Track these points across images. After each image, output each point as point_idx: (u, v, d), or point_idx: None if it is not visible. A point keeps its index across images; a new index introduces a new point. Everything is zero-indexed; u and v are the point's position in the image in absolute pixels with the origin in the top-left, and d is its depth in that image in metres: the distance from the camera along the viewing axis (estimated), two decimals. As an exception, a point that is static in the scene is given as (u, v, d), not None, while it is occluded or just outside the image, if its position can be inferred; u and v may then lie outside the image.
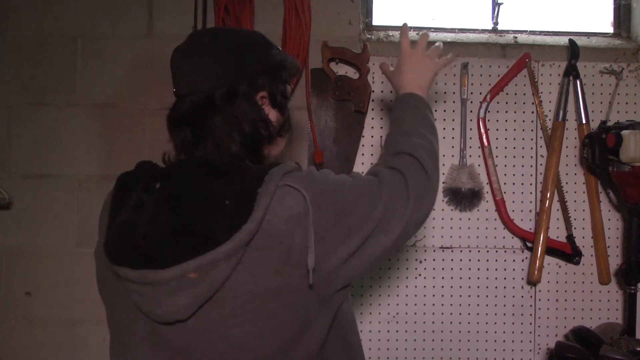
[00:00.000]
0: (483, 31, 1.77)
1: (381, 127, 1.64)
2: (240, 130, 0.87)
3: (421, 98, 1.04)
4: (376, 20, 1.78)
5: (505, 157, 1.64)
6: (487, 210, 1.64)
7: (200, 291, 0.74)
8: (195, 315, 0.75)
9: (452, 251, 1.64)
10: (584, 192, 1.64)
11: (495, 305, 1.63)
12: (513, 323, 1.63)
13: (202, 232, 0.74)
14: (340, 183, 0.83)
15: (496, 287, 1.63)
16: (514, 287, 1.64)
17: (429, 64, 1.09)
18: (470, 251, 1.64)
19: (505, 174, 1.64)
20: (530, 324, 1.64)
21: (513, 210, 1.63)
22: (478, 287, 1.63)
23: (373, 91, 1.62)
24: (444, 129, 1.64)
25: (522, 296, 1.64)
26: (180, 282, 0.73)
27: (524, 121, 1.65)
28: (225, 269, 0.73)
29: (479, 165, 1.63)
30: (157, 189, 0.81)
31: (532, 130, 1.65)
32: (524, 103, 1.64)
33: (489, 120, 1.64)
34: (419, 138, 0.95)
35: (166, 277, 0.73)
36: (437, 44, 1.15)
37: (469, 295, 1.63)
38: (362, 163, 1.63)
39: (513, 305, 1.63)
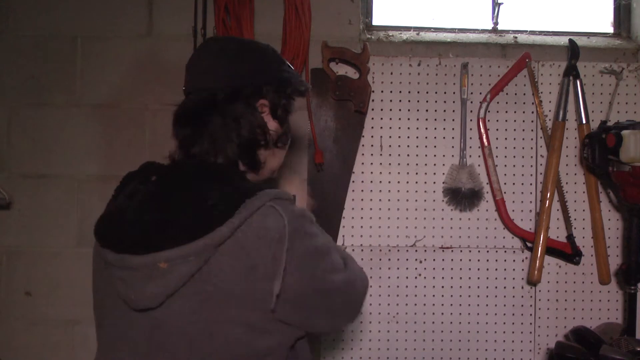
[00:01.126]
0: (483, 31, 1.77)
1: (381, 127, 1.63)
2: (237, 132, 0.90)
3: None
4: (376, 20, 1.78)
5: (505, 157, 1.64)
6: (487, 210, 1.63)
7: (168, 282, 0.77)
8: (162, 305, 0.79)
9: (452, 251, 1.64)
10: (584, 192, 1.64)
11: (495, 305, 1.63)
12: (513, 323, 1.63)
13: (180, 226, 0.77)
14: (316, 234, 0.86)
15: (496, 287, 1.63)
16: (514, 287, 1.64)
17: None
18: (470, 251, 1.64)
19: (505, 174, 1.64)
20: (530, 324, 1.64)
21: (513, 210, 1.63)
22: (478, 287, 1.63)
23: (373, 91, 1.62)
24: (444, 129, 1.64)
25: (522, 296, 1.64)
26: (151, 271, 0.77)
27: (524, 121, 1.65)
28: (194, 265, 0.76)
29: (479, 165, 1.63)
30: (152, 181, 0.86)
31: (532, 130, 1.65)
32: (524, 103, 1.64)
33: (489, 120, 1.64)
34: None
35: (140, 263, 0.77)
36: None
37: (469, 295, 1.63)
38: (362, 163, 1.63)
39: (513, 305, 1.63)
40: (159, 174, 0.88)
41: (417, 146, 1.64)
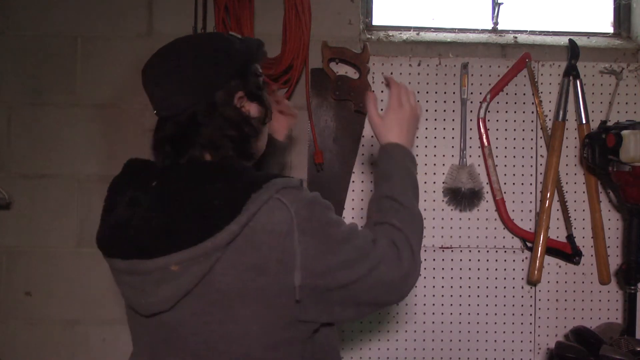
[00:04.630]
0: (483, 31, 1.77)
1: (381, 127, 1.63)
2: (229, 136, 0.89)
3: (409, 153, 1.01)
4: (376, 20, 1.78)
5: (505, 157, 1.64)
6: (487, 210, 1.63)
7: (180, 284, 0.77)
8: (174, 307, 0.79)
9: (452, 251, 1.64)
10: (584, 192, 1.64)
11: (495, 305, 1.63)
12: (513, 323, 1.63)
13: (189, 228, 0.77)
14: (335, 222, 0.84)
15: (496, 287, 1.63)
16: (514, 287, 1.64)
17: (410, 114, 1.05)
18: (470, 251, 1.64)
19: (505, 174, 1.64)
20: (530, 324, 1.64)
21: (513, 210, 1.63)
22: (478, 287, 1.63)
23: (373, 91, 1.62)
24: (444, 129, 1.64)
25: (522, 296, 1.64)
26: (163, 274, 0.77)
27: (524, 121, 1.65)
28: (205, 265, 0.76)
29: (479, 165, 1.63)
30: (153, 186, 0.85)
31: (532, 130, 1.65)
32: (524, 103, 1.64)
33: (489, 120, 1.64)
34: (413, 216, 0.94)
35: (151, 267, 0.77)
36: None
37: (469, 295, 1.63)
38: (362, 163, 1.63)
39: (513, 305, 1.63)
40: (159, 178, 0.86)
41: (417, 146, 1.64)
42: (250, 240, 0.77)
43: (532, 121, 1.65)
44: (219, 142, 0.88)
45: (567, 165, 1.64)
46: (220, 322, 0.79)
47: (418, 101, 1.14)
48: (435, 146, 1.64)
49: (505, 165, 1.64)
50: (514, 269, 1.64)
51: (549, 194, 1.59)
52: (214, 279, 0.77)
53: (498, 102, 1.64)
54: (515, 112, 1.64)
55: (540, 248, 1.58)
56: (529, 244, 1.62)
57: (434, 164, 1.63)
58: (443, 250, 1.63)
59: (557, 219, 1.63)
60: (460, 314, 1.63)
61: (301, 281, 0.77)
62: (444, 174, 1.63)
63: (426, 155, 1.64)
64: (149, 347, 0.86)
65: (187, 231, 0.77)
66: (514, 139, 1.64)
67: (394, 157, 0.99)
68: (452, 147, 1.64)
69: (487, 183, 1.63)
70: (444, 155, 1.63)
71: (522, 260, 1.64)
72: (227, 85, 0.89)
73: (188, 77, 0.88)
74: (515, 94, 1.64)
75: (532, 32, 1.77)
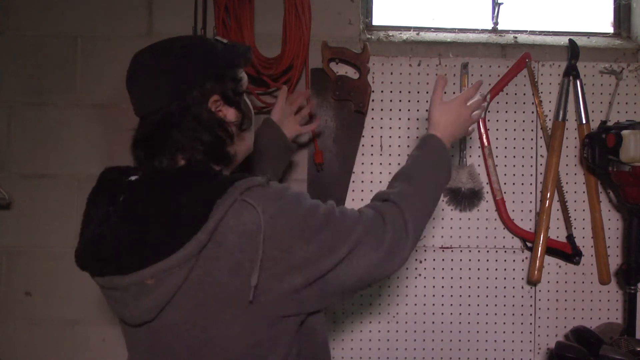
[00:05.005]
0: (483, 31, 1.77)
1: (381, 127, 1.63)
2: (200, 139, 0.88)
3: (445, 149, 1.09)
4: (376, 20, 1.78)
5: (505, 157, 1.64)
6: (487, 210, 1.64)
7: (158, 296, 0.78)
8: (158, 317, 0.81)
9: (452, 251, 1.64)
10: (584, 192, 1.64)
11: (495, 305, 1.63)
12: (513, 323, 1.63)
13: (158, 241, 0.77)
14: (309, 209, 0.84)
15: (496, 287, 1.63)
16: (514, 287, 1.64)
17: (467, 120, 1.15)
18: (470, 251, 1.64)
19: (505, 174, 1.64)
20: (530, 324, 1.64)
21: (513, 210, 1.63)
22: (478, 287, 1.63)
23: (373, 91, 1.62)
24: (444, 129, 1.64)
25: (522, 296, 1.64)
26: (140, 288, 0.79)
27: (524, 121, 1.65)
28: (180, 276, 0.77)
29: (479, 165, 1.63)
30: (121, 201, 0.85)
31: (532, 130, 1.65)
32: (524, 103, 1.64)
33: (489, 120, 1.64)
34: (420, 198, 0.98)
35: (127, 283, 0.79)
36: (480, 97, 1.18)
37: (469, 295, 1.63)
38: (362, 163, 1.63)
39: (513, 305, 1.63)
40: (127, 193, 0.85)
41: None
42: (221, 245, 0.77)
43: (532, 121, 1.65)
44: (190, 144, 0.87)
45: (567, 165, 1.64)
46: (202, 328, 0.80)
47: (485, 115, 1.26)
48: (435, 146, 1.64)
49: (505, 165, 1.64)
50: (514, 269, 1.64)
51: (549, 194, 1.59)
52: (191, 288, 0.78)
53: (498, 102, 1.64)
54: (515, 112, 1.64)
55: (540, 248, 1.58)
56: (529, 244, 1.62)
57: (434, 164, 1.63)
58: (443, 250, 1.63)
59: (557, 219, 1.63)
60: (460, 314, 1.63)
61: (257, 281, 0.77)
62: (444, 174, 1.63)
63: (426, 155, 1.64)
64: (141, 355, 0.88)
65: (157, 244, 0.77)
66: (514, 139, 1.64)
67: (426, 145, 1.08)
68: (452, 147, 1.64)
69: (487, 183, 1.63)
70: (444, 155, 1.63)
71: (522, 260, 1.64)
72: (202, 87, 0.88)
73: (162, 77, 0.88)
74: (515, 94, 1.64)
75: (532, 32, 1.77)
